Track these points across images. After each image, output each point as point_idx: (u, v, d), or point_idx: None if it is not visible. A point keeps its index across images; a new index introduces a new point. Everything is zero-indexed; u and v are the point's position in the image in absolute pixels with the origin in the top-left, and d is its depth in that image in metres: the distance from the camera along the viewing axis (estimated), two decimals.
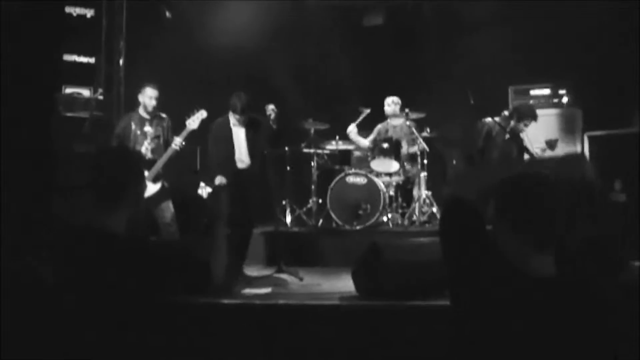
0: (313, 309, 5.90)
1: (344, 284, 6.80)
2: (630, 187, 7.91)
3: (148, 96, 7.55)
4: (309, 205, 9.65)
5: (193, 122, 7.50)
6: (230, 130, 7.76)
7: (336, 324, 5.72)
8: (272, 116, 7.61)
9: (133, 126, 7.52)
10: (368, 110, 9.75)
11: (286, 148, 9.90)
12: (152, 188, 7.36)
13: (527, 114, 7.69)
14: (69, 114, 8.81)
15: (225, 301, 5.87)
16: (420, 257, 6.06)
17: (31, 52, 7.70)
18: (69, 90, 9.12)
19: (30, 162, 7.51)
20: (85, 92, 9.23)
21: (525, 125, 7.73)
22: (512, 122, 7.73)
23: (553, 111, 8.83)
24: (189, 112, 7.54)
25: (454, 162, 9.83)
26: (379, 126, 9.96)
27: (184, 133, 7.46)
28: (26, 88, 7.66)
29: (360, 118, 9.83)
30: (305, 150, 9.73)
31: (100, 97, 9.18)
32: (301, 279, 7.24)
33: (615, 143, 8.20)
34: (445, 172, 9.99)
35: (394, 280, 5.90)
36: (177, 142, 7.42)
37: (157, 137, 7.57)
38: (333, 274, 7.52)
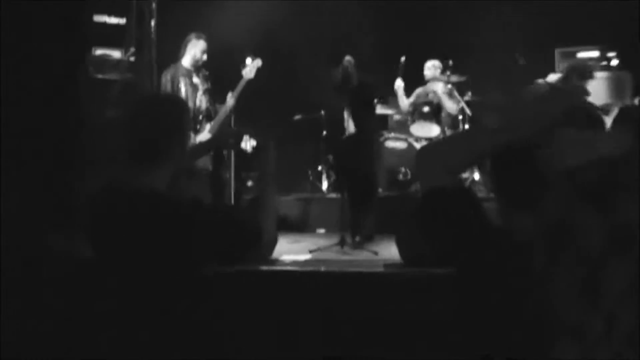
0: (356, 277, 5.62)
1: (386, 251, 6.53)
2: None
3: (200, 49, 7.24)
4: None
5: (250, 72, 7.22)
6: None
7: (381, 292, 5.45)
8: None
9: (181, 79, 7.21)
10: (403, 59, 9.25)
11: (322, 112, 9.61)
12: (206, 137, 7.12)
13: (586, 74, 7.17)
14: (99, 76, 8.53)
15: (262, 268, 5.60)
16: None
17: (61, 12, 7.46)
18: (99, 52, 8.84)
19: (60, 126, 7.29)
20: (116, 54, 8.93)
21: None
22: (573, 82, 7.19)
23: (601, 75, 8.40)
24: (243, 62, 7.27)
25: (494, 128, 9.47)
26: (419, 90, 9.61)
27: (241, 83, 7.19)
28: (57, 49, 7.43)
29: (401, 70, 9.33)
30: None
31: (132, 59, 8.90)
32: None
33: None
34: None
35: (442, 247, 5.61)
36: (234, 94, 7.22)
37: (207, 90, 7.27)
38: (373, 241, 7.24)
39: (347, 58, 7.20)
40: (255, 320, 5.25)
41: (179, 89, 7.12)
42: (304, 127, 9.90)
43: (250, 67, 7.24)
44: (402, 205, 7.88)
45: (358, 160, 7.15)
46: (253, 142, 7.06)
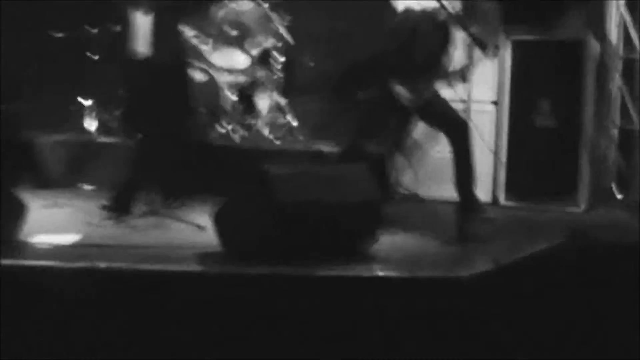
0: (155, 277, 3.57)
1: (192, 230, 4.53)
2: (560, 109, 6.15)
3: None
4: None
5: None
6: None
7: (195, 304, 3.46)
8: None
9: None
10: None
11: (86, 26, 7.32)
12: None
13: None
14: None
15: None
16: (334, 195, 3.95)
17: None
18: None
19: None
20: None
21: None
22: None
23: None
24: None
25: (311, 63, 7.70)
26: (221, 13, 7.51)
27: None
28: None
29: None
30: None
31: None
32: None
33: (547, 51, 6.28)
34: (296, 76, 7.83)
35: (300, 233, 3.69)
36: None
37: None
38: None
39: None
40: None
41: None
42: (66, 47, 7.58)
43: None
44: (205, 157, 5.99)
45: (175, 94, 5.11)
46: None
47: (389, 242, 4.35)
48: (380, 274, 3.60)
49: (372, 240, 4.10)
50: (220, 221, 4.01)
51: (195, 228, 4.54)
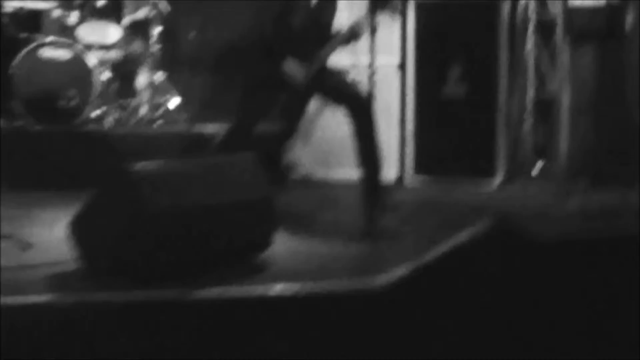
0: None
1: (46, 238, 3.76)
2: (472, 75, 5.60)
3: None
4: None
5: None
6: None
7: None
8: None
9: None
10: None
11: None
12: None
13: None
14: None
15: None
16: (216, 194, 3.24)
17: None
18: None
19: None
20: None
21: None
22: None
23: None
24: None
25: (191, 34, 7.00)
26: None
27: None
28: None
29: None
30: None
31: None
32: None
33: (455, 14, 5.72)
34: (175, 48, 7.08)
35: (174, 245, 2.99)
36: None
37: None
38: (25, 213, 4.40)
39: None
40: None
41: None
42: None
43: None
44: (72, 146, 5.24)
45: None
46: None
47: (285, 245, 3.67)
48: (278, 291, 2.89)
49: (265, 245, 3.41)
50: (77, 231, 3.25)
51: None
